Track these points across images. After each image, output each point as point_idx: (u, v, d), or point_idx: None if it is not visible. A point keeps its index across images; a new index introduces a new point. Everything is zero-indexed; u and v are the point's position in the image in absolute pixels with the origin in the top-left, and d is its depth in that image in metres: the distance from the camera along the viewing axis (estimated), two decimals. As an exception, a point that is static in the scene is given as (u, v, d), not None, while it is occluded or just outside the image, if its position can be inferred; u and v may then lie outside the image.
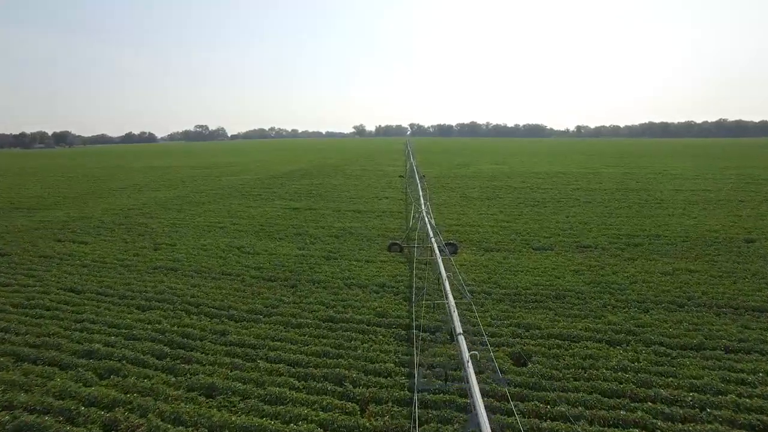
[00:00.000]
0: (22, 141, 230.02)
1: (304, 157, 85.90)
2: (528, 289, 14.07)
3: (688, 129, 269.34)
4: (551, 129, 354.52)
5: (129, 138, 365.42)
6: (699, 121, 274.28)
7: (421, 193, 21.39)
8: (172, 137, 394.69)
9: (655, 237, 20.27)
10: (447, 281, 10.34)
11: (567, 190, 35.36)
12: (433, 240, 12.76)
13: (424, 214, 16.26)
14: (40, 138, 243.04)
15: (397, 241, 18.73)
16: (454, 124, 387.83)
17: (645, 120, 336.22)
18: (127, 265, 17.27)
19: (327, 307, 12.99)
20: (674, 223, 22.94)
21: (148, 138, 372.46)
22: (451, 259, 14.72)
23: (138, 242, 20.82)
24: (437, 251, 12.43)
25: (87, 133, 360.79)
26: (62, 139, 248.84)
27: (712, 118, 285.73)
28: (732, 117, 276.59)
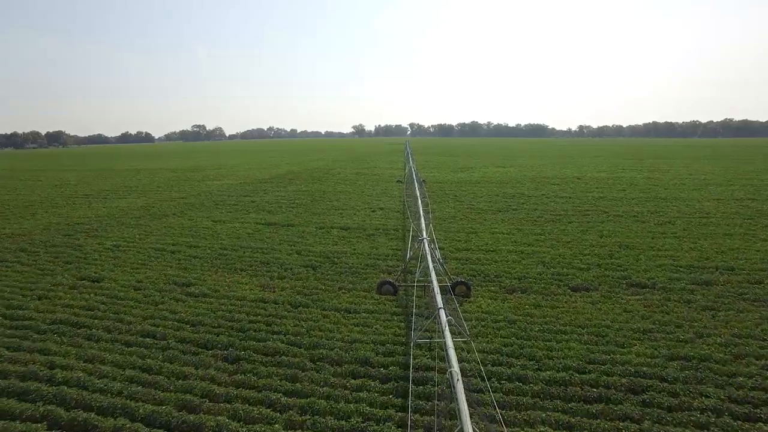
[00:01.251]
0: (14, 141, 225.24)
1: (297, 159, 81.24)
2: (584, 373, 9.34)
3: (694, 129, 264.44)
4: (553, 129, 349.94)
5: (125, 138, 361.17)
6: (704, 120, 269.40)
7: (421, 212, 16.77)
8: (169, 137, 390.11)
9: (728, 270, 15.53)
10: (459, 379, 5.55)
11: (589, 199, 30.63)
12: (438, 301, 8.01)
13: (427, 253, 11.57)
14: (32, 138, 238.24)
15: (390, 280, 14.01)
16: (454, 123, 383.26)
17: (648, 120, 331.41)
18: (15, 316, 12.52)
19: (276, 411, 8.27)
20: (742, 248, 18.20)
21: (144, 138, 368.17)
22: (463, 323, 9.99)
23: (57, 274, 16.09)
24: (444, 322, 7.55)
25: (84, 133, 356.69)
26: (56, 139, 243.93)
27: (718, 118, 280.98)
28: (738, 117, 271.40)
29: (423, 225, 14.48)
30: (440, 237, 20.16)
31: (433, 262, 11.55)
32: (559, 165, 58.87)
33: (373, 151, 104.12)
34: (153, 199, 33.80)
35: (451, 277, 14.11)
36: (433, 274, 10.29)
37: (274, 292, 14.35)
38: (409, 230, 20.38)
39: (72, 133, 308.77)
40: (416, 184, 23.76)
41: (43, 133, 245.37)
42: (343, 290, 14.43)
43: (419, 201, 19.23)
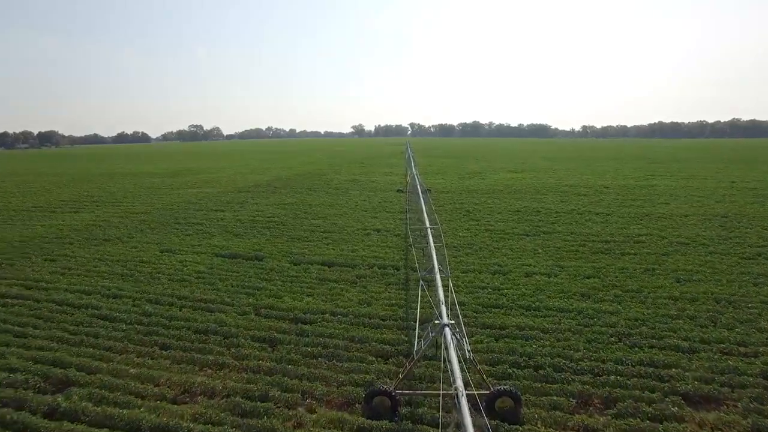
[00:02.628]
0: (4, 141, 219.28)
1: (290, 161, 75.59)
2: None
3: (701, 129, 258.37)
4: (556, 129, 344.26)
5: (122, 138, 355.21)
6: (711, 120, 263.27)
7: (433, 252, 11.26)
8: (166, 137, 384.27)
9: None
10: None
11: (632, 217, 25.01)
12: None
13: (452, 357, 6.18)
14: (24, 138, 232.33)
15: (386, 389, 8.33)
16: (455, 123, 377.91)
17: (653, 120, 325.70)
18: None
19: None
20: None
21: (141, 138, 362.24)
22: None
23: None
24: None
25: (82, 133, 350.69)
26: (48, 139, 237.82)
27: (724, 118, 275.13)
28: (745, 116, 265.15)
29: (440, 291, 8.89)
30: (456, 281, 14.56)
31: (459, 357, 6.23)
32: (577, 170, 53.23)
33: (371, 153, 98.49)
34: (107, 215, 28.20)
35: (488, 381, 8.47)
36: (459, 381, 5.17)
37: (196, 403, 8.72)
38: (415, 271, 14.78)
39: (68, 133, 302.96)
40: (422, 203, 18.08)
41: (35, 132, 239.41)
42: (312, 400, 8.78)
43: (429, 230, 13.59)
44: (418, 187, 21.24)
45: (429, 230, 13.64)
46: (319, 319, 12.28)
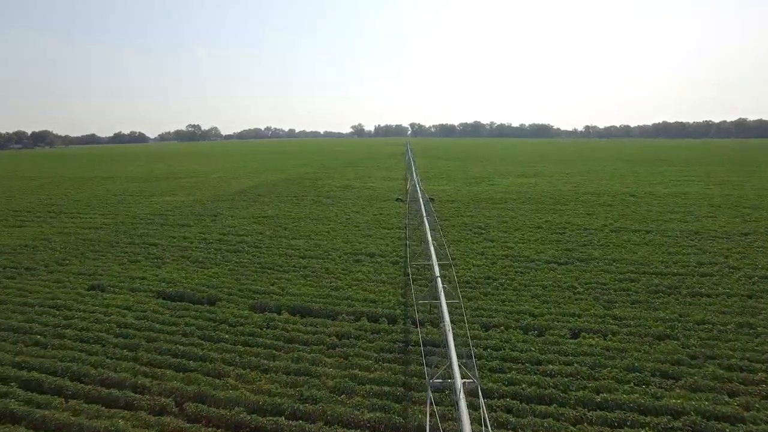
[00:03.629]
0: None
1: (283, 163, 71.06)
2: None
3: (706, 129, 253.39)
4: (558, 129, 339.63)
5: (118, 138, 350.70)
6: (717, 120, 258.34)
7: (445, 310, 7.05)
8: (163, 137, 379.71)
9: None
10: None
11: (678, 235, 20.59)
12: None
13: None
14: (17, 138, 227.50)
15: None
16: (456, 123, 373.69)
17: (657, 120, 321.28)
18: None
19: None
20: None
21: (138, 138, 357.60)
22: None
23: None
24: None
25: (78, 133, 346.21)
26: (41, 139, 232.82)
27: (730, 118, 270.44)
28: (743, 116, 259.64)
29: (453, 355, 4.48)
30: (477, 344, 10.14)
31: None
32: (593, 174, 48.76)
33: (370, 154, 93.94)
34: (52, 230, 23.82)
35: None
36: None
37: None
38: (416, 326, 10.41)
39: (66, 134, 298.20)
40: (427, 229, 13.63)
41: (29, 132, 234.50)
42: None
43: (438, 281, 9.18)
44: (422, 208, 16.77)
45: (438, 280, 9.22)
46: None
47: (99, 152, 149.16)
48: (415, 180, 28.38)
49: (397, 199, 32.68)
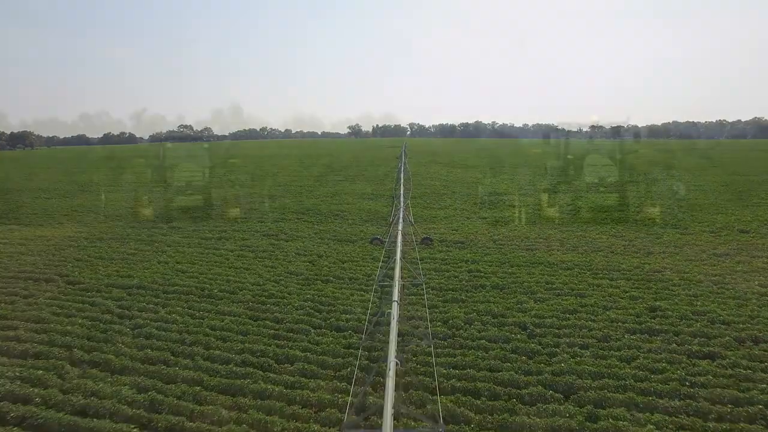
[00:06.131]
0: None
1: (254, 170, 58.37)
2: None
3: (720, 129, 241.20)
4: (563, 129, 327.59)
5: (108, 139, 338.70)
6: (731, 119, 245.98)
7: None
8: (154, 138, 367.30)
9: None
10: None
11: None
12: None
13: None
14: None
15: None
16: (456, 123, 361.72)
17: (668, 120, 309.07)
18: None
19: None
20: None
21: (128, 139, 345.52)
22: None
23: None
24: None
25: (69, 134, 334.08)
26: (20, 140, 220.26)
27: (745, 117, 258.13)
28: (745, 117, 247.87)
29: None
30: None
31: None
32: (656, 195, 36.89)
33: (360, 158, 79.64)
34: None
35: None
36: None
37: None
38: None
39: (53, 135, 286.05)
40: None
41: (8, 133, 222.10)
42: None
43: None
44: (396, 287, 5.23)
45: None
46: None
47: (70, 155, 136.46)
48: (401, 215, 16.55)
49: (372, 241, 20.83)
